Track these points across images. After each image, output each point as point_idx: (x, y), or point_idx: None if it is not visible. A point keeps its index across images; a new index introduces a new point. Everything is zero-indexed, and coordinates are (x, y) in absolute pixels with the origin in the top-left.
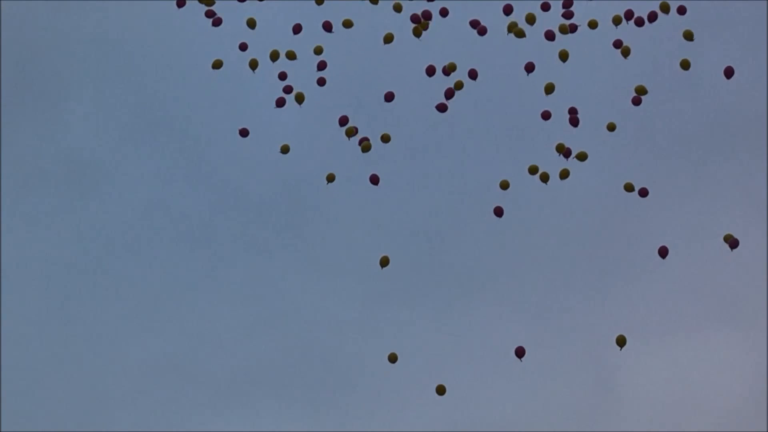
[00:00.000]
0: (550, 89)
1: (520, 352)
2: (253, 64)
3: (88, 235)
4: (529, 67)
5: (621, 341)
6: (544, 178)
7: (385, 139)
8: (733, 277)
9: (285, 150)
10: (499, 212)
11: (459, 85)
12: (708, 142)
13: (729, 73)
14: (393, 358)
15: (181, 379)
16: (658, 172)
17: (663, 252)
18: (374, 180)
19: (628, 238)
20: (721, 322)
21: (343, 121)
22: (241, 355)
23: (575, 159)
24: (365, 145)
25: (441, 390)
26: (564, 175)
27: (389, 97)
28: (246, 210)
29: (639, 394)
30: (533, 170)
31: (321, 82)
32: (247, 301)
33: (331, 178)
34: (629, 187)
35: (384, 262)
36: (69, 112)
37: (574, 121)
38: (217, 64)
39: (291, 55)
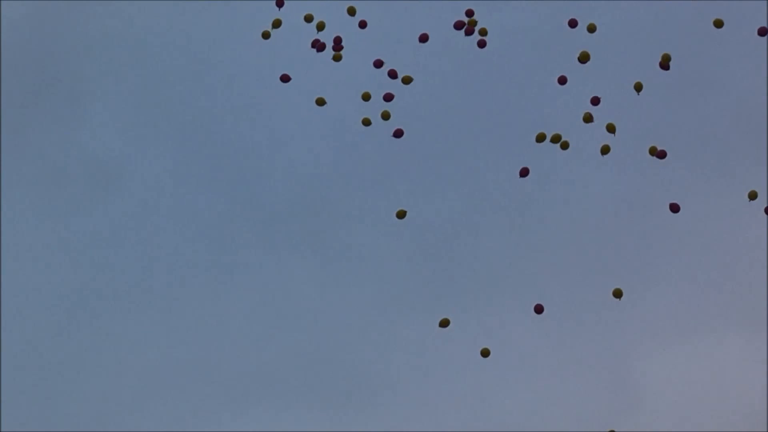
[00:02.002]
0: (585, 58)
1: (539, 309)
2: (275, 25)
3: (106, 233)
4: (572, 23)
5: (617, 294)
6: (564, 146)
7: (406, 80)
8: (754, 278)
9: (321, 102)
10: (524, 173)
11: (473, 23)
12: (716, 145)
13: (763, 32)
14: (445, 323)
15: (195, 381)
16: (673, 176)
17: (674, 208)
18: (398, 134)
19: (646, 240)
20: (741, 323)
21: (378, 64)
22: (256, 357)
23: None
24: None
25: (485, 353)
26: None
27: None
28: (263, 211)
29: (658, 395)
30: (556, 139)
31: (362, 24)
32: (263, 303)
33: (366, 122)
34: (653, 151)
35: (400, 215)
36: (88, 111)
37: (596, 101)
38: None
39: (320, 26)
